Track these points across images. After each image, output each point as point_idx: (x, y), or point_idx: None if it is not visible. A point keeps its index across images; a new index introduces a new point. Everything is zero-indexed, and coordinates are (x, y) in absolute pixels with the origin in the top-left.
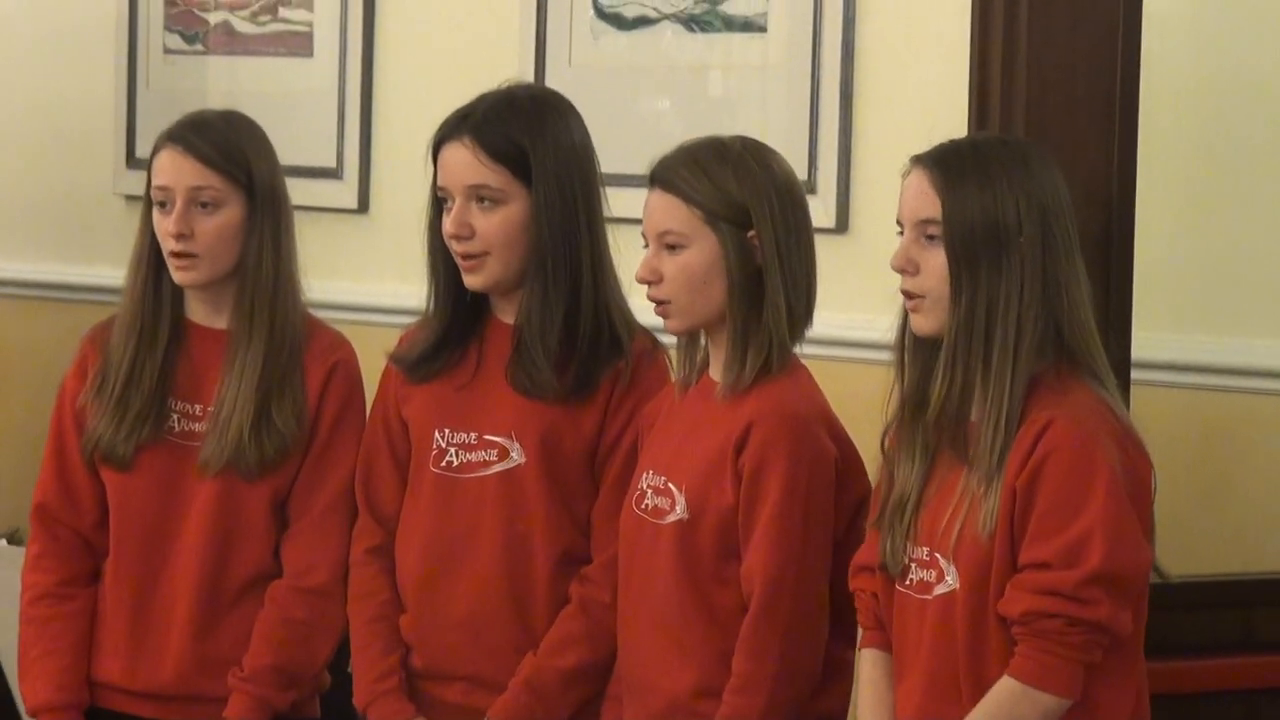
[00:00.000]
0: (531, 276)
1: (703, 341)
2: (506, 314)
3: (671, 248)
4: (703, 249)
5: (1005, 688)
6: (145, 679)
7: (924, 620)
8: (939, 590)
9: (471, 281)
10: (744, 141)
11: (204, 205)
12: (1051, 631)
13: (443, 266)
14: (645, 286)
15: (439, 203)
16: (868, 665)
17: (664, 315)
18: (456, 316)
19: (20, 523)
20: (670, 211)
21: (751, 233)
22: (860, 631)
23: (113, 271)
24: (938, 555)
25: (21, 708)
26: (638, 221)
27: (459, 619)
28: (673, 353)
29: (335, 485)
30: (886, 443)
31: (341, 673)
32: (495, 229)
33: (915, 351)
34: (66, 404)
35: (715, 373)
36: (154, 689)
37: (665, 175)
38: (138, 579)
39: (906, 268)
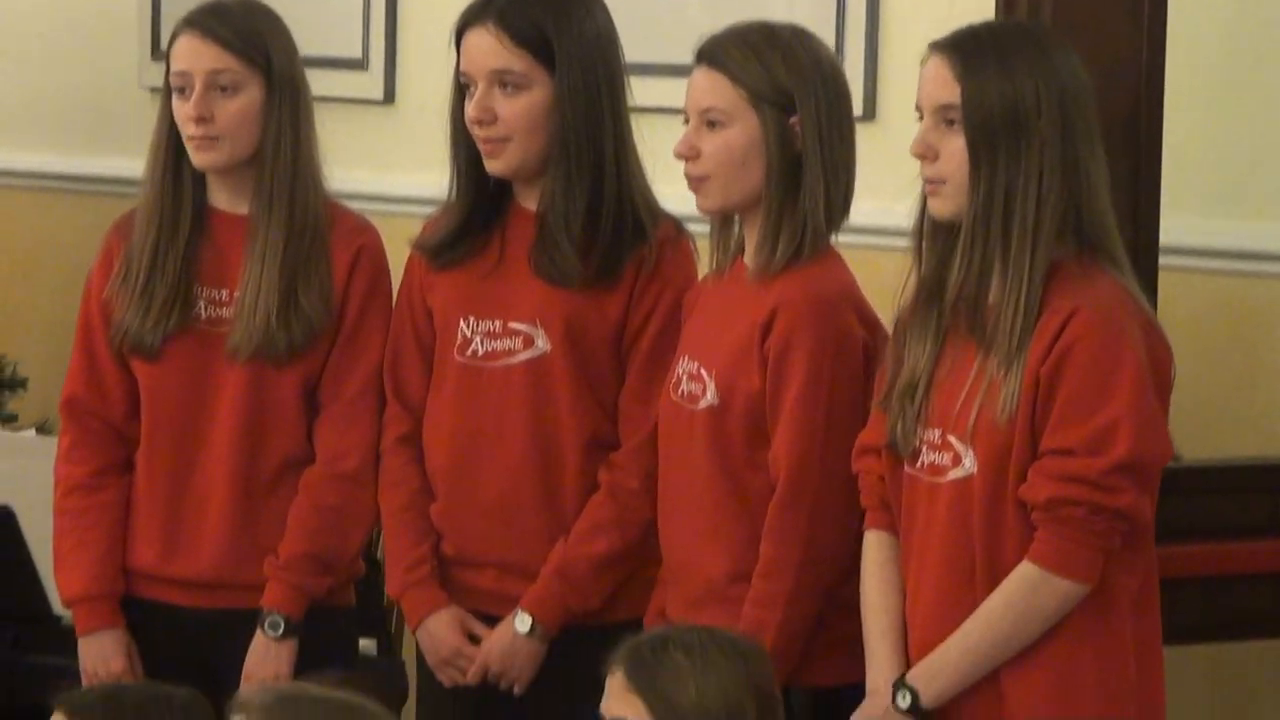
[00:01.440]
0: (554, 163)
1: (736, 227)
2: (529, 201)
3: (712, 125)
4: (744, 129)
5: (1024, 573)
6: (181, 567)
7: (936, 504)
8: (954, 474)
9: (493, 167)
10: (794, 29)
11: (223, 89)
12: (1074, 518)
13: (465, 153)
14: (669, 176)
15: (461, 89)
16: (874, 547)
17: (698, 193)
18: (479, 203)
19: (50, 414)
20: (715, 89)
21: (794, 119)
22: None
23: (138, 164)
24: (951, 438)
25: (54, 600)
26: (661, 110)
27: (489, 506)
28: (700, 241)
29: (365, 369)
30: (898, 324)
31: (375, 560)
32: (518, 114)
33: (933, 237)
34: (93, 296)
35: (749, 258)
36: (190, 577)
37: (713, 52)
38: (171, 468)
39: (925, 153)
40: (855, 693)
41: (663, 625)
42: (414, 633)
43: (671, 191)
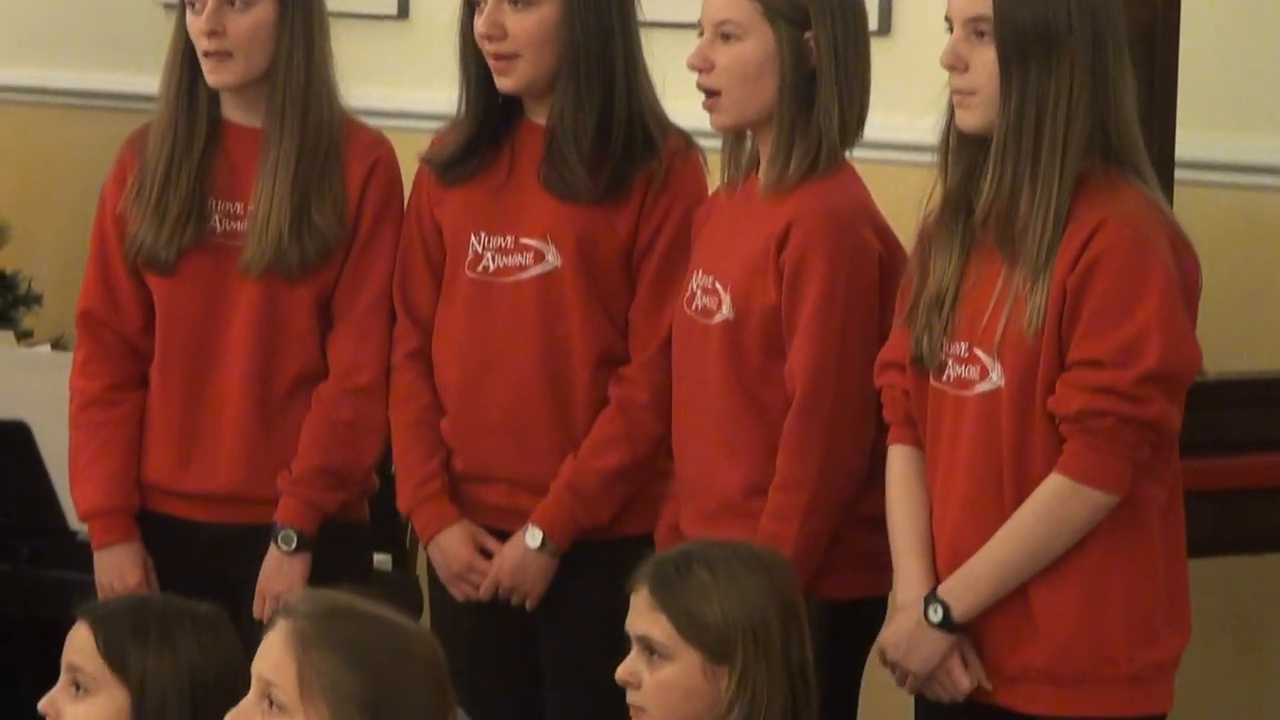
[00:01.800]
0: (564, 78)
1: (749, 143)
2: (539, 116)
3: (727, 38)
4: (758, 42)
5: (1054, 484)
6: (196, 482)
7: (962, 417)
8: (981, 387)
9: (503, 84)
10: None
11: (233, 3)
12: (1104, 429)
13: (474, 68)
14: (678, 92)
15: (471, 4)
16: (899, 462)
17: (711, 109)
18: (488, 118)
19: (66, 329)
20: (731, 1)
21: (809, 34)
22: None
23: (153, 80)
24: (979, 351)
25: (70, 514)
26: (671, 25)
27: (499, 422)
28: (710, 156)
29: (378, 283)
30: (921, 237)
31: (389, 475)
32: (527, 30)
33: (959, 150)
34: (107, 210)
35: (763, 173)
36: (205, 491)
37: None
38: (186, 382)
39: (956, 64)
40: (871, 606)
41: (675, 540)
42: (425, 548)
43: (681, 107)
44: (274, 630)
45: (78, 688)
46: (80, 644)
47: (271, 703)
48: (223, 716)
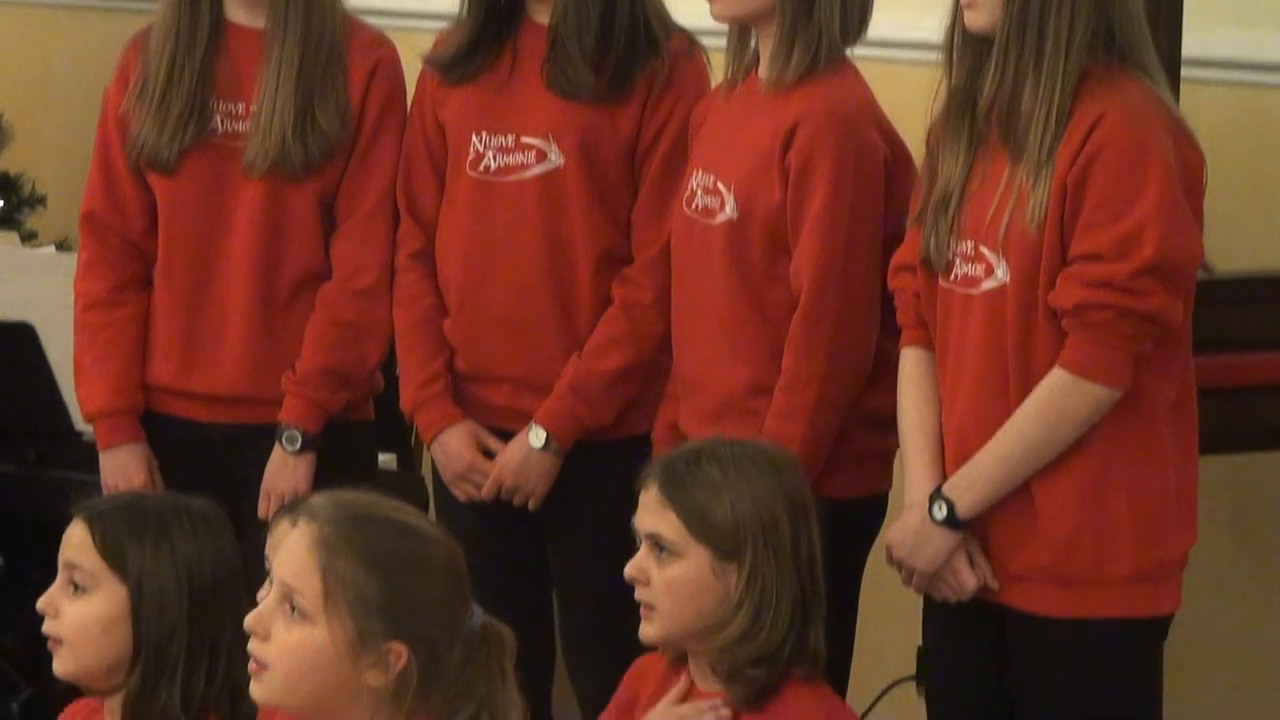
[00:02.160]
0: None
1: (752, 41)
2: (541, 15)
3: None
4: None
5: (1056, 379)
6: (200, 382)
7: (970, 316)
8: (987, 285)
9: None
10: None
11: None
12: (1103, 323)
13: None
14: None
15: None
16: (910, 363)
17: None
18: (490, 17)
19: (70, 231)
20: None
21: None
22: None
23: None
24: (984, 249)
25: (76, 416)
26: None
27: (502, 321)
28: (713, 55)
29: (381, 185)
30: (930, 138)
31: (393, 376)
32: None
33: (964, 48)
34: (110, 111)
35: (763, 70)
36: (209, 391)
37: None
38: (189, 283)
39: None
40: (872, 504)
41: (673, 439)
42: (428, 448)
43: (686, 10)
44: (296, 535)
45: (76, 586)
46: (77, 542)
47: (293, 608)
48: (221, 611)
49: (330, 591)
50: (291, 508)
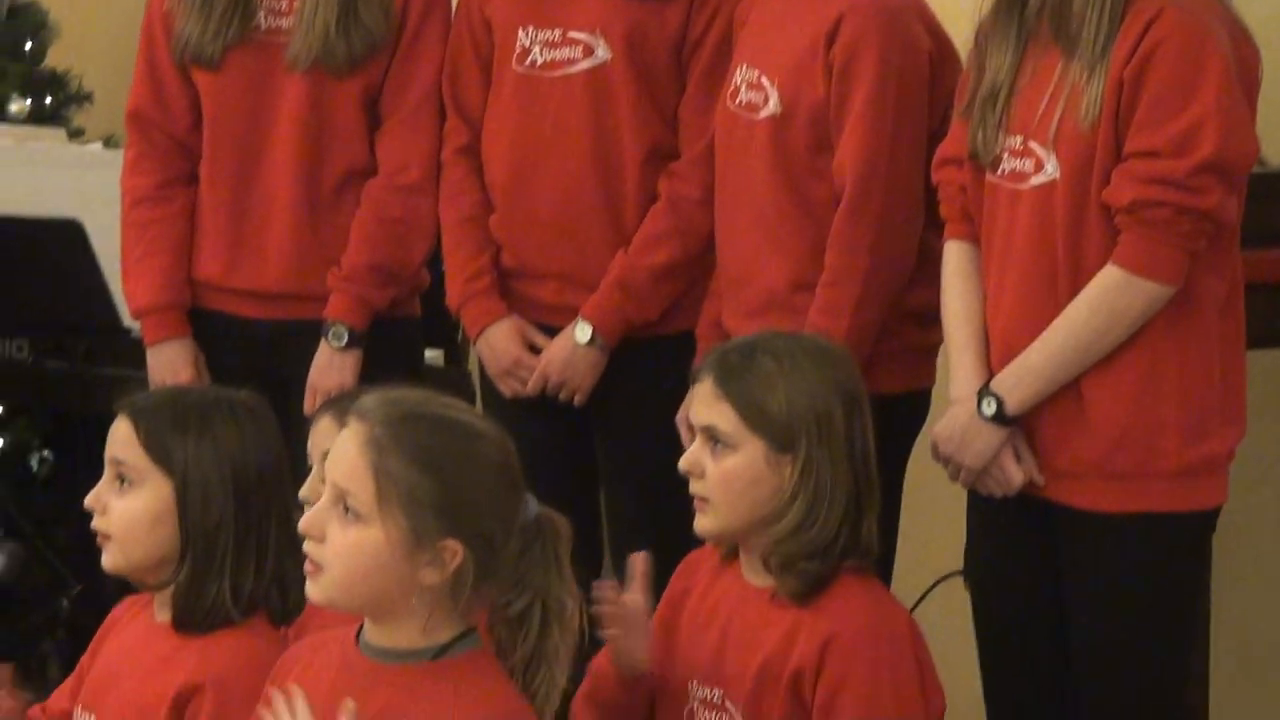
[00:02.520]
0: None
1: None
2: None
3: None
4: None
5: (1109, 276)
6: (246, 278)
7: (1017, 211)
8: (1036, 180)
9: None
10: None
11: None
12: (1159, 220)
13: None
14: None
15: None
16: (955, 257)
17: None
18: None
19: (117, 128)
20: None
21: None
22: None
23: None
24: (1033, 144)
25: (124, 312)
26: None
27: (549, 217)
28: None
29: (426, 81)
30: (979, 33)
31: (440, 272)
32: None
33: None
34: (155, 8)
35: None
36: (255, 288)
37: None
38: (234, 179)
39: None
40: (918, 400)
41: (717, 336)
42: (474, 344)
43: None
44: (346, 435)
45: (122, 482)
46: (122, 438)
47: (347, 509)
48: (265, 503)
49: (383, 492)
50: (337, 404)
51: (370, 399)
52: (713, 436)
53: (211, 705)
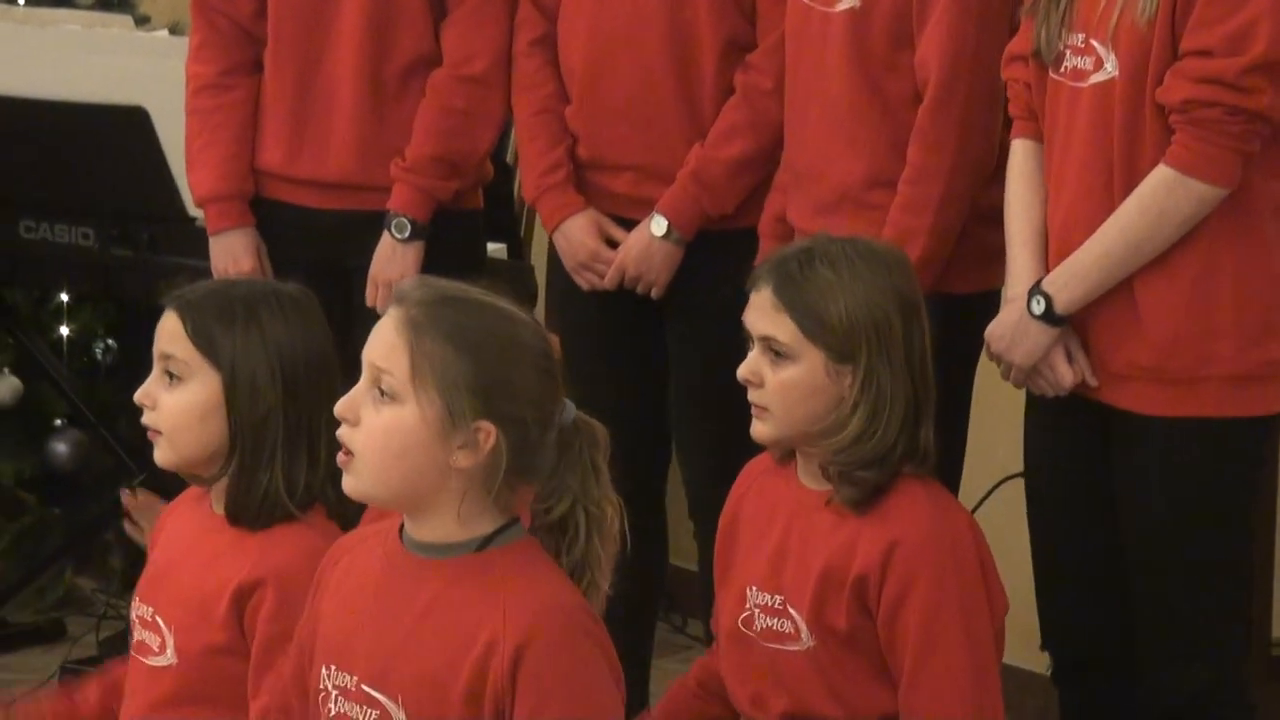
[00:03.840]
0: None
1: None
2: None
3: None
4: None
5: (1161, 176)
6: (309, 167)
7: (1077, 109)
8: (1095, 78)
9: None
10: None
11: None
12: (1210, 120)
13: None
14: None
15: None
16: (1019, 155)
17: None
18: None
19: (182, 15)
20: None
21: None
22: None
23: None
24: (1094, 42)
25: (188, 201)
26: None
27: (625, 108)
28: None
29: None
30: None
31: (505, 164)
32: None
33: None
34: None
35: None
36: (318, 177)
37: None
38: (298, 66)
39: None
40: (991, 300)
41: (781, 231)
42: (550, 236)
43: None
44: (385, 319)
45: (171, 376)
46: (170, 332)
47: (382, 391)
48: (314, 395)
49: (418, 369)
50: None
51: (408, 283)
52: (771, 347)
53: (273, 600)
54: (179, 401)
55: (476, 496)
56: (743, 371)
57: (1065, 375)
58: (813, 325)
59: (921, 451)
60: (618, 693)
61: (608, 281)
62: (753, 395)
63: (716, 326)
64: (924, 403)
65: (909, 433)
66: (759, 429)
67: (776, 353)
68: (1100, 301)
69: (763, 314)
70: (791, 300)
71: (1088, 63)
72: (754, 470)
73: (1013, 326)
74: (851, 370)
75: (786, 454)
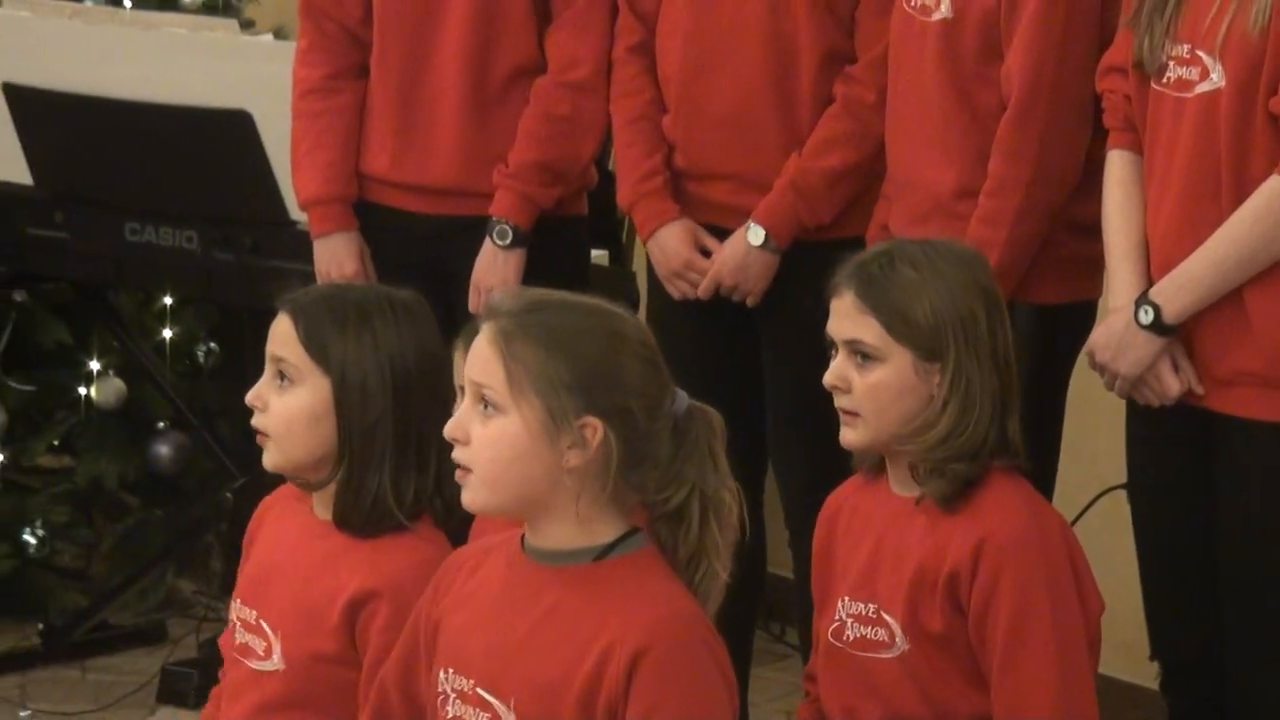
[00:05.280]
0: None
1: None
2: None
3: None
4: None
5: (1275, 185)
6: (413, 172)
7: (1181, 120)
8: (1201, 88)
9: None
10: None
11: None
12: None
13: None
14: None
15: None
16: (1117, 167)
17: None
18: None
19: (288, 19)
20: None
21: None
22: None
23: None
24: (1200, 53)
25: (292, 205)
26: None
27: (723, 117)
28: None
29: None
30: None
31: (608, 170)
32: None
33: None
34: None
35: None
36: (421, 182)
37: None
38: (403, 72)
39: None
40: (1079, 311)
41: (885, 240)
42: (645, 244)
43: None
44: (480, 336)
45: (282, 378)
46: (282, 334)
47: (486, 404)
48: (424, 402)
49: (513, 377)
50: None
51: (498, 296)
52: (858, 350)
53: (387, 611)
54: (289, 405)
55: (593, 495)
56: (829, 378)
57: (1172, 384)
58: (899, 325)
59: (1011, 445)
60: (730, 705)
61: (702, 291)
62: (840, 401)
63: (810, 336)
64: (1010, 395)
65: (997, 426)
66: (848, 435)
67: (863, 355)
68: (1206, 309)
69: (847, 318)
70: (876, 302)
71: (1193, 73)
72: (843, 493)
73: (1118, 336)
74: (940, 368)
75: (875, 465)
